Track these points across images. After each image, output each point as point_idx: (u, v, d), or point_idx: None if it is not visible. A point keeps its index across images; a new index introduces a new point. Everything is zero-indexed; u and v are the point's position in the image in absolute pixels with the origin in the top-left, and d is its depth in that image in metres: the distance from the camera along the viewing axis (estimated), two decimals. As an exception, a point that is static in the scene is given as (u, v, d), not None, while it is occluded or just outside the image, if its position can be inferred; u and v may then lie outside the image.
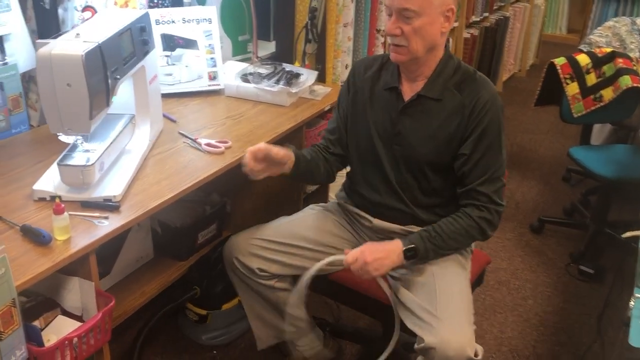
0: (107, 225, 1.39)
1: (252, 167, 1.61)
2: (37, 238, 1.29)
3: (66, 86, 1.33)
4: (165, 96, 2.17)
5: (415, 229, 1.69)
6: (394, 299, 1.65)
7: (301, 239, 1.81)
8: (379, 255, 1.56)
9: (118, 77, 1.49)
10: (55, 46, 1.34)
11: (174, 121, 1.99)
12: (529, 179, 3.70)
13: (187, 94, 2.21)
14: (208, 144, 1.81)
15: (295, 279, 1.75)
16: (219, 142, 1.83)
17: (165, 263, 2.21)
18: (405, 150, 1.67)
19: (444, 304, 1.56)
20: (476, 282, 1.87)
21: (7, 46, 1.78)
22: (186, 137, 1.88)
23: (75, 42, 1.38)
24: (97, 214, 1.42)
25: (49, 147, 1.72)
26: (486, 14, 4.54)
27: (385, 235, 1.74)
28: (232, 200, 2.43)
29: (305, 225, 1.85)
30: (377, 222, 1.77)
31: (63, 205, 1.30)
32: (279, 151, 1.63)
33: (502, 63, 5.01)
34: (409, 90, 1.67)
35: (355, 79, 1.79)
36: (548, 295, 2.61)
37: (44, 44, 1.37)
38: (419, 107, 1.65)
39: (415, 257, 1.59)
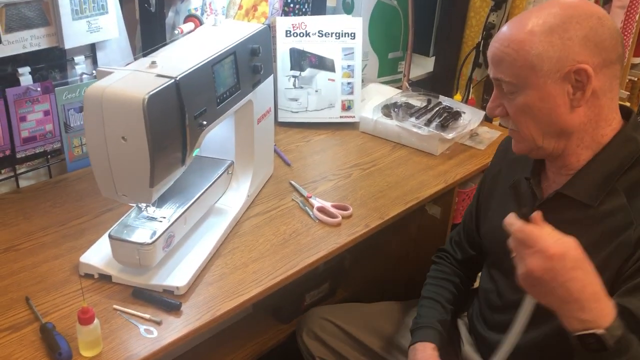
0: (156, 338, 0.98)
1: None
2: (53, 352, 0.91)
3: (121, 140, 0.94)
4: (285, 125, 1.74)
5: None
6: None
7: (378, 337, 1.35)
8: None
9: (205, 122, 1.07)
10: (113, 82, 0.94)
11: (288, 164, 1.56)
12: None
13: (313, 125, 1.76)
14: (321, 209, 1.35)
15: None
16: (336, 206, 1.36)
17: (264, 323, 1.83)
18: None
19: None
20: None
21: (101, 55, 1.45)
22: (297, 192, 1.43)
23: (144, 75, 0.97)
24: (147, 316, 1.02)
25: (130, 187, 1.38)
26: None
27: None
28: (353, 254, 1.97)
29: (389, 319, 1.38)
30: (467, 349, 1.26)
31: (93, 312, 0.92)
32: None
33: None
34: (550, 185, 1.07)
35: (499, 156, 1.24)
36: None
37: (105, 74, 0.98)
38: (559, 212, 1.01)
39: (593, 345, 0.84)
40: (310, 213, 1.35)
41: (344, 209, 1.36)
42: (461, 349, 1.30)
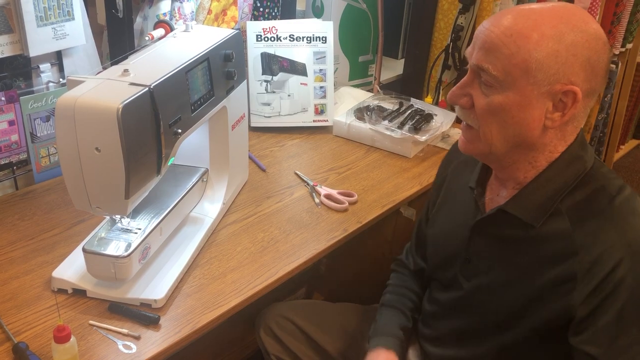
0: (135, 353, 0.95)
1: None
2: (28, 373, 0.88)
3: (94, 151, 0.91)
4: (258, 130, 1.73)
5: None
6: None
7: (335, 339, 1.30)
8: None
9: (180, 130, 1.05)
10: (85, 91, 0.91)
11: (263, 170, 1.54)
12: None
13: (286, 130, 1.75)
14: (328, 196, 1.43)
15: None
16: (342, 194, 1.44)
17: (239, 330, 1.81)
18: (473, 292, 1.02)
19: None
20: None
21: (67, 63, 1.41)
22: (305, 182, 1.48)
23: (117, 84, 0.95)
24: (125, 331, 0.99)
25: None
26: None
27: None
28: (328, 258, 1.97)
29: (349, 321, 1.34)
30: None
31: (69, 330, 0.88)
32: None
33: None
34: (493, 197, 1.02)
35: (444, 166, 1.19)
36: None
37: (76, 83, 0.95)
38: (499, 229, 0.98)
39: None
40: (317, 200, 1.42)
41: (349, 195, 1.43)
42: None
